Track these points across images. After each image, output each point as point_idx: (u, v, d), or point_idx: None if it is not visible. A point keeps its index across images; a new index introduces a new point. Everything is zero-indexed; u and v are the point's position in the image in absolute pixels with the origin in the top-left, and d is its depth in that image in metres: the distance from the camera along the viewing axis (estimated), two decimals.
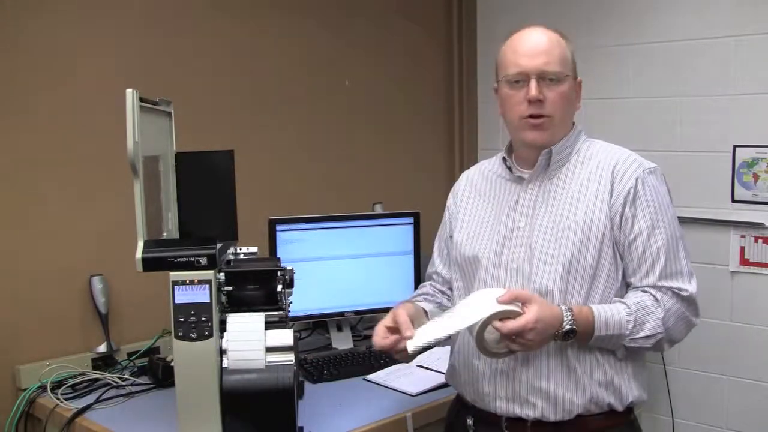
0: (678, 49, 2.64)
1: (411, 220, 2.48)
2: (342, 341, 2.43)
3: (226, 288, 1.62)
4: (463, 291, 1.71)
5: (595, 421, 1.56)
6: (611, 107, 2.80)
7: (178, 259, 1.54)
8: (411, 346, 1.52)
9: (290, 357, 1.57)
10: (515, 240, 1.62)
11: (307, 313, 2.35)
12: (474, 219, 1.73)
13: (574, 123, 1.68)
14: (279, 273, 1.67)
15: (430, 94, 3.16)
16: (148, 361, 2.12)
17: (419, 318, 1.66)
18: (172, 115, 1.89)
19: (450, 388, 1.81)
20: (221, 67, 2.44)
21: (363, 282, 2.41)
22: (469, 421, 1.67)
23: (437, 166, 3.18)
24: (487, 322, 1.44)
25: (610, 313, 1.51)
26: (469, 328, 1.48)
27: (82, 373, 2.06)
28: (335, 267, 2.38)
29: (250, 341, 1.57)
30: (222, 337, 1.57)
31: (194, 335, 1.54)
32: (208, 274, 1.55)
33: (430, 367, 2.13)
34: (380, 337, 1.60)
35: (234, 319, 1.60)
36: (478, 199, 1.75)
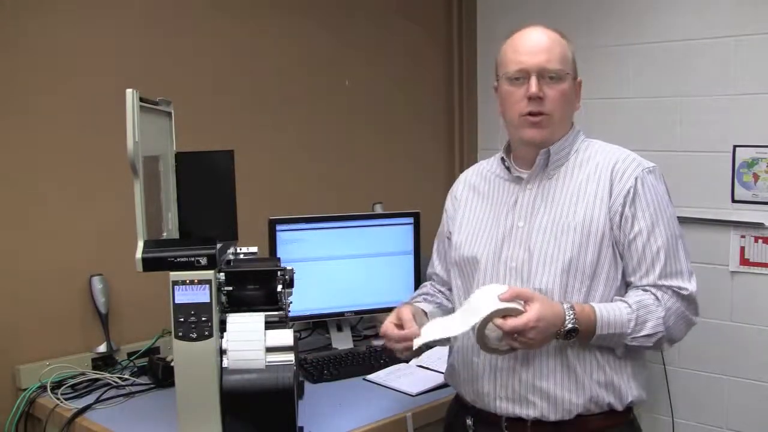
0: (678, 49, 2.64)
1: (411, 220, 2.48)
2: (342, 341, 2.43)
3: (226, 288, 1.62)
4: (462, 291, 1.71)
5: (595, 420, 1.57)
6: (611, 107, 2.79)
7: (178, 259, 1.54)
8: (416, 342, 1.55)
9: (290, 357, 1.57)
10: (514, 240, 1.62)
11: (307, 313, 2.35)
12: (473, 219, 1.72)
13: (573, 123, 1.68)
14: (279, 273, 1.67)
15: (430, 94, 3.16)
16: (148, 361, 2.12)
17: (420, 319, 1.66)
18: (172, 115, 1.89)
19: (450, 388, 1.81)
20: (221, 67, 2.44)
21: (363, 282, 2.41)
22: (469, 422, 1.67)
23: (437, 166, 3.18)
24: (488, 319, 1.44)
25: (612, 312, 1.51)
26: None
27: (82, 373, 2.06)
28: (335, 267, 2.38)
29: (250, 341, 1.57)
30: (222, 337, 1.57)
31: (194, 335, 1.54)
32: (208, 274, 1.55)
33: (429, 367, 2.13)
34: (390, 328, 1.61)
35: (234, 319, 1.60)
36: (476, 200, 1.75)
